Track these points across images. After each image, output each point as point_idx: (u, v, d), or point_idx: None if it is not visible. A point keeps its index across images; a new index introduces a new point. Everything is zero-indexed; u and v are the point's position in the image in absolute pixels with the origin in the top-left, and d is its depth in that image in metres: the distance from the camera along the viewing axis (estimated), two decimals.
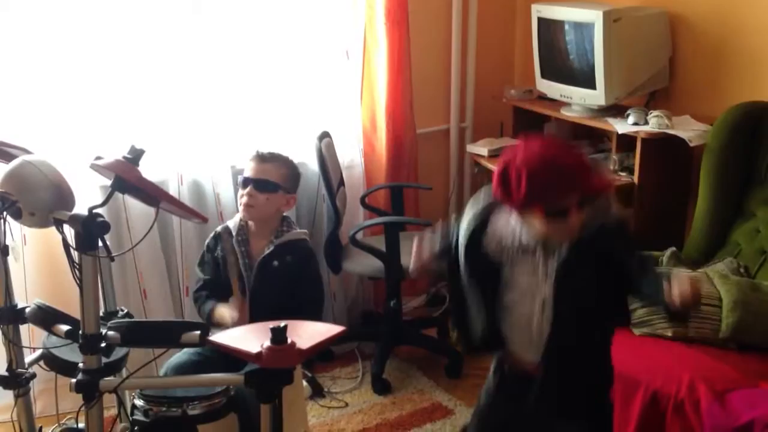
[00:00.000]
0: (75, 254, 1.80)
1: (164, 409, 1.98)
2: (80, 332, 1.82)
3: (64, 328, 1.88)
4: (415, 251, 1.92)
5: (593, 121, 3.29)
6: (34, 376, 2.19)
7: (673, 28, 3.21)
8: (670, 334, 2.48)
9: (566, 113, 3.42)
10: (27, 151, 2.13)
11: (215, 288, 2.61)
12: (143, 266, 3.06)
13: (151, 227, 1.96)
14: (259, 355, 1.72)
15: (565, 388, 1.84)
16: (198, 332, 1.86)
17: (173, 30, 3.01)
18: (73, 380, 1.81)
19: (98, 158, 1.91)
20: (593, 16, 3.07)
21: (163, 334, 1.90)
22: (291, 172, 2.67)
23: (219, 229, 2.68)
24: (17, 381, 2.13)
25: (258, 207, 2.57)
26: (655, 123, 3.03)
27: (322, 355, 3.34)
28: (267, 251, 2.56)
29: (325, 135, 3.20)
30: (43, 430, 2.30)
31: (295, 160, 2.77)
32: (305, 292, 2.59)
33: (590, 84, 3.17)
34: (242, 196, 2.59)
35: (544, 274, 1.79)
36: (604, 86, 3.12)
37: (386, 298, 3.31)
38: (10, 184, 1.88)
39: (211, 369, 2.25)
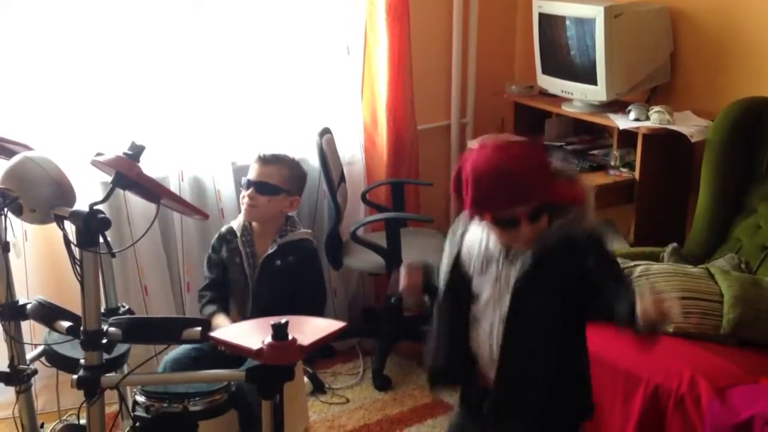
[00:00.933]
0: (76, 250, 1.80)
1: (165, 405, 1.98)
2: (81, 328, 1.82)
3: (66, 324, 1.88)
4: (404, 273, 1.82)
5: (594, 116, 3.29)
6: (35, 372, 2.19)
7: (675, 24, 3.21)
8: (671, 329, 2.47)
9: (567, 109, 3.42)
10: (28, 148, 2.13)
11: (221, 287, 2.62)
12: (144, 263, 3.06)
13: (152, 223, 1.96)
14: (260, 351, 1.72)
15: (520, 403, 1.76)
16: (199, 328, 1.86)
17: (173, 26, 3.01)
18: (75, 377, 1.82)
19: (99, 154, 1.91)
20: (594, 12, 3.07)
21: (165, 331, 1.90)
22: (293, 173, 2.66)
23: (223, 230, 2.69)
24: (19, 377, 2.12)
25: (259, 209, 2.58)
26: (656, 119, 3.03)
27: (323, 351, 3.34)
28: (270, 250, 2.57)
29: (325, 131, 3.19)
30: (44, 426, 2.31)
31: (296, 157, 2.77)
32: (306, 292, 2.59)
33: (591, 80, 3.17)
34: (244, 197, 2.60)
35: (505, 284, 1.71)
36: (605, 82, 3.12)
37: (387, 294, 3.31)
38: (11, 181, 1.88)
39: (209, 363, 2.26)
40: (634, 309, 1.52)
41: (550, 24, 3.39)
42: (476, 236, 1.77)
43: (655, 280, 2.57)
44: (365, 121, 3.51)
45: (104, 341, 1.83)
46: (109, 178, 1.89)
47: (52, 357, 2.15)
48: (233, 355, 2.11)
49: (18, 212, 1.88)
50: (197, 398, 1.99)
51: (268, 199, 2.58)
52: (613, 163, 3.18)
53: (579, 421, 1.88)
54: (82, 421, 1.94)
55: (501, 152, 1.62)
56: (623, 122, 3.10)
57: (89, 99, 2.91)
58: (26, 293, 2.72)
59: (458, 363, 1.81)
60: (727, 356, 2.35)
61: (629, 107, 3.14)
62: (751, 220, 2.82)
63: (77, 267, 1.80)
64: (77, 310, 1.87)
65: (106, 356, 1.89)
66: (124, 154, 1.86)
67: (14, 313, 2.08)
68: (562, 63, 3.38)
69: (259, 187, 2.58)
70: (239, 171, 3.14)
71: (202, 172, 3.18)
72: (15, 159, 1.92)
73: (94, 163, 1.93)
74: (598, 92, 3.18)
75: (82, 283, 1.80)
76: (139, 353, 2.21)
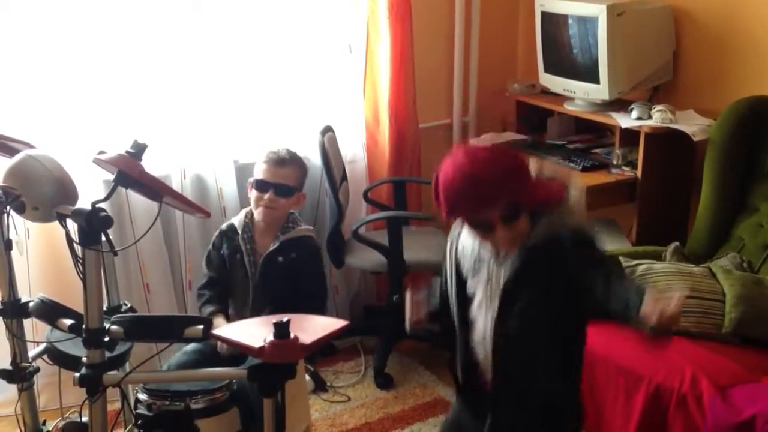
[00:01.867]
0: (78, 249, 1.80)
1: (167, 403, 1.99)
2: (83, 326, 1.82)
3: (68, 322, 1.88)
4: (409, 307, 1.85)
5: (596, 115, 3.28)
6: (37, 370, 2.19)
7: (677, 22, 3.20)
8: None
9: (569, 107, 3.42)
10: (30, 146, 2.13)
11: (221, 286, 2.62)
12: (146, 261, 3.06)
13: (154, 222, 1.96)
14: (261, 349, 1.72)
15: (518, 406, 1.76)
16: (201, 327, 1.86)
17: (176, 25, 3.01)
18: (77, 374, 1.82)
19: (101, 153, 1.90)
20: (597, 10, 3.07)
21: (167, 329, 1.90)
22: (303, 171, 2.69)
23: (224, 227, 2.69)
24: (21, 375, 2.13)
25: (278, 210, 2.59)
26: (658, 117, 3.03)
27: (325, 349, 3.34)
28: (273, 247, 2.57)
29: (327, 129, 3.19)
30: (46, 423, 2.31)
31: (299, 155, 2.77)
32: (308, 289, 2.59)
33: (594, 78, 3.17)
34: (260, 199, 2.58)
35: (496, 286, 1.72)
36: (608, 80, 3.11)
37: (389, 293, 3.31)
38: (13, 179, 1.88)
39: (212, 366, 2.26)
40: (633, 306, 1.50)
41: (553, 22, 3.39)
42: (469, 238, 1.78)
43: (657, 279, 2.57)
44: (367, 119, 3.51)
45: (106, 339, 1.83)
46: (111, 177, 1.89)
47: (54, 355, 2.15)
48: (236, 359, 2.12)
49: (21, 210, 1.88)
50: (199, 396, 1.99)
51: (286, 200, 2.58)
52: (615, 162, 3.18)
53: (575, 423, 1.86)
54: (84, 419, 1.94)
55: (468, 158, 1.62)
56: (625, 121, 3.10)
57: (92, 97, 2.92)
58: (29, 291, 2.74)
59: (457, 364, 1.82)
60: (729, 355, 2.35)
61: (631, 106, 3.13)
62: (754, 219, 2.82)
63: (79, 265, 1.80)
64: (79, 308, 1.87)
65: (108, 354, 1.89)
66: (127, 152, 1.86)
67: (17, 310, 2.09)
68: (564, 61, 3.37)
69: (279, 190, 2.57)
70: (241, 169, 3.14)
71: (205, 170, 3.18)
72: (17, 157, 1.92)
73: (97, 162, 1.93)
74: (600, 91, 3.17)
75: (84, 281, 1.80)
76: (141, 352, 2.21)
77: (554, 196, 1.67)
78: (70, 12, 2.82)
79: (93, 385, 1.81)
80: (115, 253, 1.89)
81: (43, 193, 1.86)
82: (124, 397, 2.01)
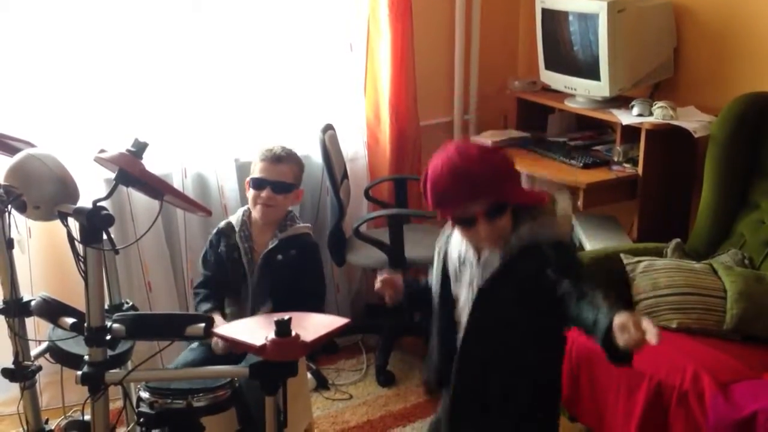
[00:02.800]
0: (79, 247, 1.80)
1: (169, 401, 1.99)
2: (85, 325, 1.83)
3: (70, 320, 1.89)
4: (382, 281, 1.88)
5: (597, 112, 3.28)
6: (39, 368, 2.20)
7: (678, 19, 3.20)
8: (674, 325, 2.48)
9: (570, 104, 3.42)
10: (31, 145, 2.14)
11: (217, 284, 2.62)
12: (148, 259, 3.07)
13: (155, 220, 1.97)
14: (263, 347, 1.72)
15: (484, 405, 1.78)
16: (203, 325, 1.87)
17: (176, 24, 3.01)
18: (79, 373, 1.82)
19: (102, 151, 1.91)
20: (597, 7, 3.06)
21: (168, 327, 1.90)
22: (300, 168, 2.68)
23: (222, 225, 2.68)
24: (23, 374, 2.14)
25: (276, 207, 2.58)
26: (659, 114, 3.02)
27: (327, 347, 3.35)
28: (271, 245, 2.57)
29: (328, 127, 3.20)
30: (49, 422, 2.32)
31: (299, 153, 2.77)
32: (307, 286, 2.59)
33: (594, 75, 3.17)
34: (257, 197, 2.57)
35: (477, 287, 1.74)
36: (609, 77, 3.11)
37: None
38: (14, 178, 1.88)
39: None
40: (602, 322, 1.50)
41: (553, 19, 3.39)
42: (457, 240, 1.80)
43: (659, 276, 2.58)
44: (368, 117, 3.51)
45: (108, 337, 1.83)
46: (112, 175, 1.89)
47: (56, 353, 2.15)
48: (240, 360, 2.12)
49: (22, 209, 1.88)
50: (201, 394, 1.99)
51: (284, 197, 2.58)
52: (616, 159, 3.18)
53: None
54: (87, 417, 1.95)
55: (458, 153, 1.65)
56: (626, 118, 3.10)
57: (92, 96, 2.92)
58: (30, 290, 2.74)
59: (448, 367, 1.82)
60: (730, 352, 2.35)
61: (632, 103, 3.13)
62: (755, 215, 2.82)
63: (81, 263, 1.81)
64: (81, 306, 1.87)
65: (110, 353, 1.90)
66: (128, 151, 1.86)
67: (18, 309, 2.10)
68: (565, 58, 3.37)
69: (276, 187, 2.56)
70: (242, 168, 3.14)
71: (206, 169, 3.18)
72: (19, 156, 1.92)
73: (98, 160, 1.93)
74: (601, 88, 3.17)
75: (85, 279, 1.80)
76: (143, 350, 2.22)
77: (537, 198, 1.72)
78: (71, 11, 2.82)
79: (95, 384, 1.81)
80: (117, 252, 1.90)
81: (44, 191, 1.87)
82: (126, 395, 2.02)
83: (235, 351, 2.29)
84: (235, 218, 2.66)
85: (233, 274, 2.59)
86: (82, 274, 1.80)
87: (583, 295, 1.57)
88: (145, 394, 2.00)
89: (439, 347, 1.85)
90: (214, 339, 2.34)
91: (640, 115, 3.08)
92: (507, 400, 1.77)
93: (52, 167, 1.90)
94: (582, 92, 3.32)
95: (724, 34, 3.08)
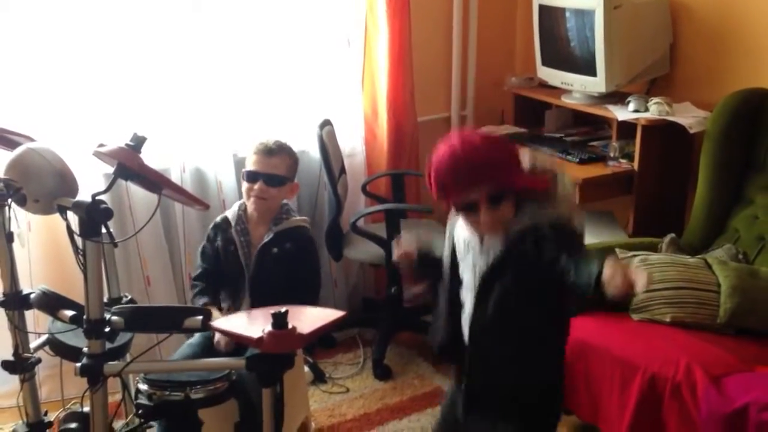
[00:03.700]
0: (79, 240, 1.82)
1: (167, 393, 2.01)
2: (84, 317, 1.85)
3: (69, 313, 1.91)
4: (401, 241, 1.89)
5: (594, 108, 3.30)
6: (39, 360, 2.22)
7: (674, 15, 3.21)
8: (668, 319, 2.50)
9: (567, 100, 3.44)
10: (31, 139, 2.15)
11: (214, 278, 2.64)
12: (147, 254, 3.09)
13: (154, 213, 1.98)
14: (260, 339, 1.74)
15: (492, 392, 1.81)
16: (200, 317, 1.88)
17: (175, 20, 3.02)
18: (78, 364, 1.84)
19: (101, 146, 1.92)
20: (594, 3, 3.08)
21: (166, 319, 1.92)
22: (294, 160, 2.68)
23: (218, 219, 2.70)
24: (23, 366, 2.16)
25: (269, 200, 2.59)
26: (655, 110, 3.04)
27: (324, 341, 3.37)
28: (267, 238, 2.58)
29: (326, 123, 3.21)
30: (48, 414, 2.34)
31: (297, 148, 2.78)
32: (303, 279, 2.60)
33: (591, 71, 3.18)
34: (251, 189, 2.59)
35: (479, 273, 1.77)
36: (605, 73, 3.13)
37: (387, 285, 3.34)
38: (14, 172, 1.90)
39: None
40: (599, 277, 1.50)
41: (550, 16, 3.40)
42: (462, 225, 1.82)
43: (653, 270, 2.59)
44: (366, 113, 3.53)
45: (107, 330, 1.85)
46: (111, 170, 1.91)
47: (55, 346, 2.17)
48: (237, 353, 2.14)
49: (22, 202, 1.90)
50: (198, 386, 2.01)
51: (277, 190, 2.59)
52: (612, 155, 3.19)
53: (550, 420, 1.88)
54: (86, 409, 1.97)
55: (461, 141, 1.67)
56: (622, 113, 3.12)
57: (91, 91, 2.93)
58: (30, 283, 2.76)
59: (453, 344, 1.86)
60: (724, 345, 2.37)
61: (628, 98, 3.15)
62: (749, 210, 2.83)
63: (80, 257, 1.82)
64: (80, 299, 1.89)
65: (109, 345, 1.91)
66: (126, 145, 1.88)
67: (18, 302, 2.12)
68: (561, 55, 3.39)
69: (269, 179, 2.57)
70: (240, 163, 3.15)
71: (204, 164, 3.20)
72: (18, 150, 1.94)
73: (96, 154, 1.95)
74: (597, 84, 3.19)
75: (84, 272, 1.82)
76: (142, 344, 2.23)
77: (540, 185, 1.71)
78: (71, 7, 2.83)
79: (94, 375, 1.83)
80: (115, 245, 1.92)
81: (44, 185, 1.89)
82: (125, 387, 2.04)
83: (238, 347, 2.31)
84: (231, 212, 2.67)
85: (230, 267, 2.61)
86: (81, 267, 1.82)
87: (580, 262, 1.59)
88: (143, 386, 2.02)
89: (446, 316, 1.86)
90: (216, 337, 2.36)
91: (636, 110, 3.09)
92: (512, 387, 1.80)
93: (52, 161, 1.91)
94: (578, 88, 3.34)
95: (719, 30, 3.09)
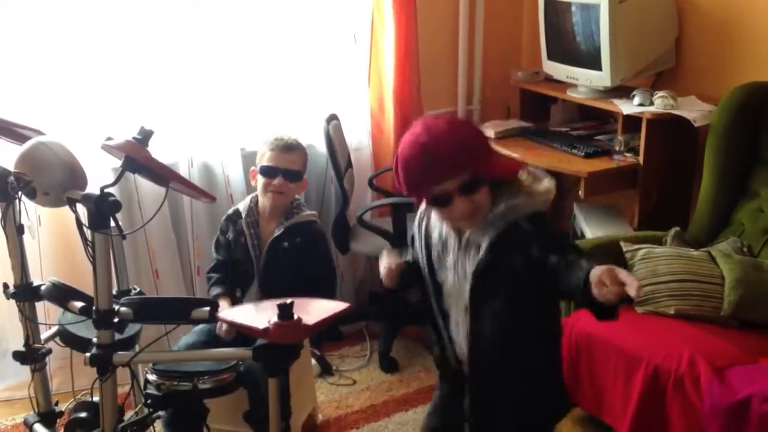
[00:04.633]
0: (88, 232, 1.85)
1: (175, 383, 2.03)
2: (94, 308, 1.88)
3: (79, 304, 1.94)
4: (384, 263, 1.77)
5: (599, 102, 3.30)
6: (50, 351, 2.25)
7: (680, 9, 3.21)
8: (672, 311, 2.51)
9: (572, 94, 3.44)
10: (40, 133, 2.18)
11: (228, 269, 2.67)
12: (155, 247, 3.12)
13: (162, 205, 2.01)
14: (266, 330, 1.77)
15: (493, 397, 1.74)
16: (207, 308, 1.91)
17: (183, 15, 3.04)
18: (87, 354, 1.87)
19: (109, 139, 1.95)
20: None
21: (174, 310, 1.95)
22: (306, 156, 2.74)
23: (230, 211, 2.74)
24: (34, 356, 2.19)
25: (287, 195, 2.64)
26: (660, 104, 3.04)
27: (331, 334, 3.40)
28: (277, 233, 2.61)
29: (333, 117, 3.23)
30: (59, 404, 2.37)
31: (304, 143, 2.80)
32: (316, 272, 2.63)
33: (596, 65, 3.19)
34: (269, 185, 2.62)
35: (463, 274, 1.67)
36: (610, 67, 3.13)
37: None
38: (24, 165, 1.93)
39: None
40: (588, 282, 1.44)
41: (556, 10, 3.41)
42: (435, 224, 1.75)
43: (658, 263, 2.61)
44: (372, 107, 3.54)
45: (116, 320, 1.88)
46: (119, 163, 1.93)
47: (65, 337, 2.20)
48: (243, 341, 2.16)
49: (32, 196, 1.93)
50: (206, 377, 2.04)
51: (295, 185, 2.64)
52: (617, 148, 3.20)
53: (555, 417, 1.85)
54: (96, 399, 2.00)
55: (426, 131, 1.59)
56: (628, 107, 3.12)
57: (100, 85, 2.96)
58: (40, 275, 2.80)
59: (446, 355, 1.80)
60: (727, 337, 2.38)
61: (634, 92, 3.15)
62: (754, 204, 2.84)
63: (89, 248, 1.85)
64: (90, 290, 1.92)
65: (118, 336, 1.94)
66: (134, 138, 1.91)
67: (29, 294, 2.14)
68: (567, 49, 3.39)
69: (288, 174, 2.61)
70: (248, 157, 3.18)
71: (212, 158, 3.23)
72: (28, 144, 1.97)
73: (105, 148, 1.98)
74: (602, 78, 3.19)
75: (94, 264, 1.85)
76: (151, 336, 2.26)
77: (512, 169, 1.65)
78: (80, 1, 2.85)
79: (103, 365, 1.87)
80: (124, 237, 1.95)
81: (53, 178, 1.91)
82: (134, 377, 2.07)
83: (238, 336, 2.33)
84: (242, 205, 2.70)
85: (241, 260, 2.64)
86: (91, 259, 1.85)
87: (570, 264, 1.52)
88: (152, 377, 2.05)
89: (432, 329, 1.80)
90: (218, 324, 2.39)
91: (641, 104, 3.10)
92: (517, 388, 1.74)
93: (61, 154, 1.94)
94: (584, 82, 3.34)
95: (725, 24, 3.09)
